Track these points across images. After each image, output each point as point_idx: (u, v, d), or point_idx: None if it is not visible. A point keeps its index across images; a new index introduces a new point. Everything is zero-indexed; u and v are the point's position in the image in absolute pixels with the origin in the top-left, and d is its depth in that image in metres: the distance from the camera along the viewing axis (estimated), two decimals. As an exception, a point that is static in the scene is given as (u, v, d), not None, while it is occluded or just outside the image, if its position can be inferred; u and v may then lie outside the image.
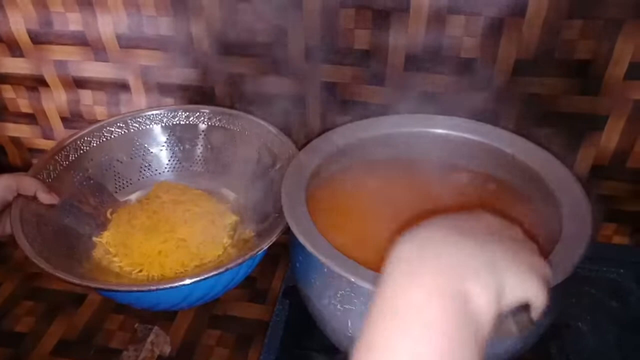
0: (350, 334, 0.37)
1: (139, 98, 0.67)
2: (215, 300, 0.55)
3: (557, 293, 0.36)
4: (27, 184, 0.50)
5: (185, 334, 0.54)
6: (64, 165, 0.57)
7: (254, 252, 0.43)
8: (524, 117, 0.56)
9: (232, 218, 0.59)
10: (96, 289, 0.47)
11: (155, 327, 0.55)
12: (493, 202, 0.44)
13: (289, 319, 0.51)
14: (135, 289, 0.42)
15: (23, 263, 0.63)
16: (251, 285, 0.58)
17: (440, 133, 0.50)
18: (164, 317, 0.56)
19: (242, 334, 0.54)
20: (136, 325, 0.55)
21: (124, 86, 0.66)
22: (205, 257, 0.53)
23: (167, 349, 0.53)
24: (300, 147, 0.54)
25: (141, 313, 0.55)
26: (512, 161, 0.46)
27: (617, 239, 0.63)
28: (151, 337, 0.54)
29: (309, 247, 0.36)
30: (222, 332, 0.54)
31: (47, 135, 0.74)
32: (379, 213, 0.44)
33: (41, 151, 0.76)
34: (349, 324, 0.37)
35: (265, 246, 0.44)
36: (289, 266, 0.59)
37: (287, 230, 0.45)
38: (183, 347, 0.53)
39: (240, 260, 0.42)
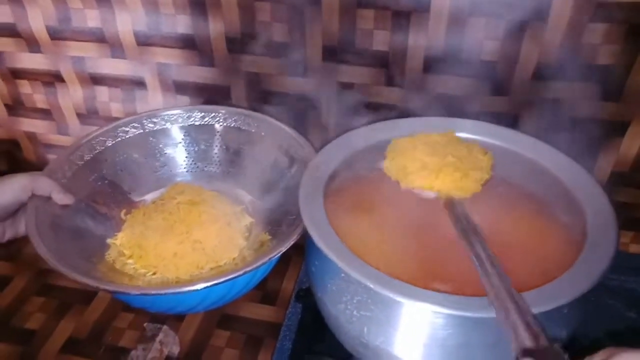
0: (365, 341, 0.37)
1: (155, 96, 0.67)
2: (225, 302, 0.55)
3: (580, 304, 0.35)
4: (43, 184, 0.50)
5: (195, 334, 0.54)
6: (79, 165, 0.57)
7: (273, 254, 0.43)
8: (543, 121, 0.55)
9: (248, 220, 0.58)
10: (111, 292, 0.47)
11: (165, 327, 0.54)
12: (514, 208, 0.43)
13: (301, 322, 0.50)
14: (152, 292, 0.42)
15: (34, 259, 0.63)
16: (262, 287, 0.58)
17: (462, 137, 0.49)
18: (174, 316, 0.55)
19: (252, 335, 0.54)
20: (145, 324, 0.55)
21: (140, 83, 0.66)
22: (220, 259, 0.52)
23: (176, 349, 0.52)
24: (317, 148, 0.54)
25: (151, 312, 0.55)
26: (533, 167, 0.45)
27: (634, 248, 0.61)
28: (160, 337, 0.54)
29: (327, 252, 0.35)
30: (231, 333, 0.54)
31: (62, 131, 0.74)
32: (399, 217, 0.43)
33: (56, 147, 0.76)
34: (365, 331, 0.36)
35: (283, 249, 0.43)
36: (301, 268, 0.59)
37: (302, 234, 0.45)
38: (192, 347, 0.53)
39: (258, 264, 0.42)
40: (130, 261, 0.53)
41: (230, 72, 0.62)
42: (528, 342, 0.26)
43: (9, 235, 0.50)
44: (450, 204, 0.40)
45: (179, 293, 0.41)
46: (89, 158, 0.58)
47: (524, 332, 0.27)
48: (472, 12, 0.51)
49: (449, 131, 0.48)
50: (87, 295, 0.58)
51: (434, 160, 0.44)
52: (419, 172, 0.43)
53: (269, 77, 0.61)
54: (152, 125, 0.62)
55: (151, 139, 0.62)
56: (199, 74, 0.63)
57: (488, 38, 0.52)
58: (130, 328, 0.55)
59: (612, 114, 0.53)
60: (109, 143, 0.60)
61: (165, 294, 0.41)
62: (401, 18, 0.53)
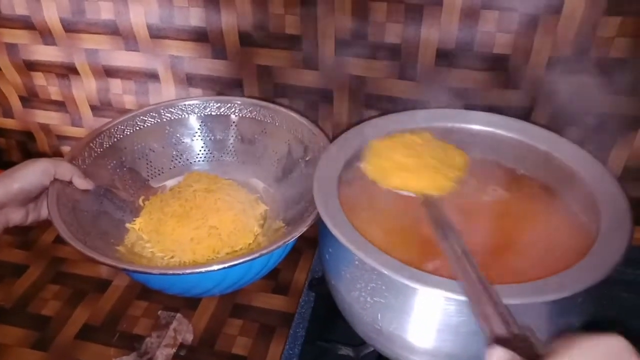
0: (379, 327, 0.37)
1: (167, 88, 0.67)
2: (238, 290, 0.56)
3: (591, 295, 0.35)
4: (64, 169, 0.51)
5: (208, 323, 0.54)
6: (99, 152, 0.58)
7: (288, 238, 0.44)
8: (556, 115, 0.55)
9: (262, 208, 0.59)
10: (131, 272, 0.48)
11: (178, 315, 0.55)
12: (527, 200, 0.43)
13: (314, 310, 0.51)
14: (170, 272, 0.43)
15: (49, 247, 0.64)
16: (274, 277, 0.58)
17: (474, 129, 0.49)
18: (187, 305, 0.56)
19: (264, 324, 0.54)
20: (159, 312, 0.55)
21: (153, 76, 0.67)
22: (236, 245, 0.53)
23: (190, 337, 0.53)
24: (331, 139, 0.54)
25: (164, 300, 0.56)
26: (547, 159, 0.45)
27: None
28: (174, 325, 0.54)
29: (341, 239, 0.36)
30: (244, 322, 0.54)
31: (76, 123, 0.75)
32: (411, 207, 0.43)
33: (69, 138, 0.77)
34: (379, 317, 0.37)
35: (298, 234, 0.44)
36: (314, 258, 0.60)
37: (315, 222, 0.46)
38: (205, 335, 0.53)
39: (275, 246, 0.43)
40: (148, 245, 0.54)
41: (243, 65, 0.62)
42: (500, 331, 0.27)
43: (31, 218, 0.51)
44: (428, 203, 0.41)
45: (197, 273, 0.41)
46: (108, 146, 0.59)
47: (497, 322, 0.28)
48: (485, 4, 0.51)
49: (425, 132, 0.49)
50: (102, 284, 0.59)
51: (412, 162, 0.44)
52: (398, 173, 0.44)
53: (281, 70, 0.61)
54: (169, 115, 0.63)
55: (168, 128, 0.63)
56: (211, 66, 0.64)
57: (501, 31, 0.52)
58: (144, 316, 0.55)
59: (626, 108, 0.53)
60: (128, 132, 0.61)
61: (183, 274, 0.42)
62: (414, 10, 0.53)
